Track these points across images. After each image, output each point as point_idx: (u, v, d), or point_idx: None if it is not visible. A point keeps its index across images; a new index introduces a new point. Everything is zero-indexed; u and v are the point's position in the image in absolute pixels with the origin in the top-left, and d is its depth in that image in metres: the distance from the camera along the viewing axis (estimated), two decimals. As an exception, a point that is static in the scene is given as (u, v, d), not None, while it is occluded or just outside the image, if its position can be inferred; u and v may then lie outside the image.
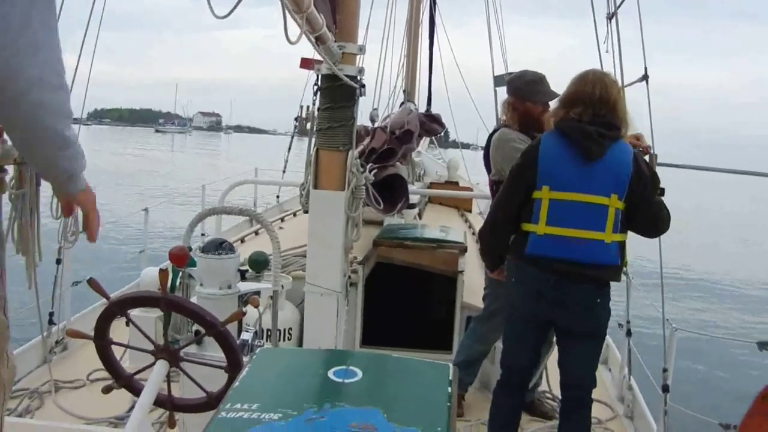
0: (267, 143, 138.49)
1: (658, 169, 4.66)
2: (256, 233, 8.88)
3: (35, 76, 2.13)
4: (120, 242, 16.95)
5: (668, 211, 4.36)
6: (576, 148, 4.12)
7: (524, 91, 5.13)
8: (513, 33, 11.01)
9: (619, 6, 5.94)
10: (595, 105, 4.19)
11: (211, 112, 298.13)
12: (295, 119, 11.20)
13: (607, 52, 5.98)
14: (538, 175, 4.16)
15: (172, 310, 3.61)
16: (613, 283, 4.26)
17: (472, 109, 13.61)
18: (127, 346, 3.94)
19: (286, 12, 2.75)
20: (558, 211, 4.12)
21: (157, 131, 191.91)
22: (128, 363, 4.09)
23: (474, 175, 13.61)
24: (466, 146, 16.03)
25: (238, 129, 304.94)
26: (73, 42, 5.45)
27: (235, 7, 2.31)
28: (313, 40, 3.79)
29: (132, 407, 4.62)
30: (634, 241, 4.34)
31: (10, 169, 4.60)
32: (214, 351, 3.62)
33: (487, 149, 5.31)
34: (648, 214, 4.26)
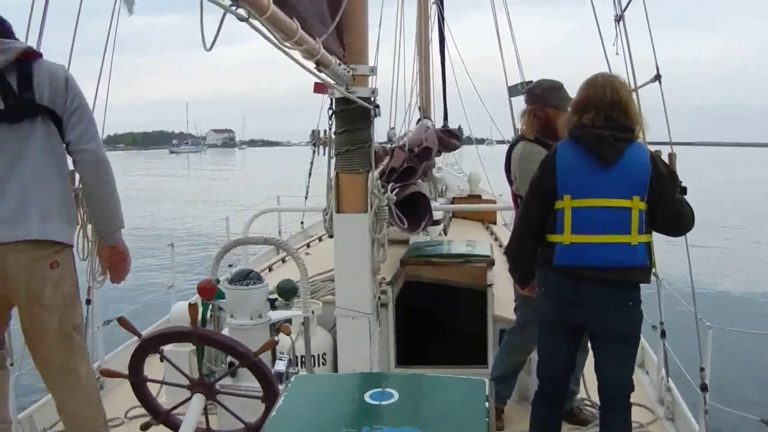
0: (282, 155, 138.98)
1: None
2: (283, 261, 8.89)
3: (107, 160, 3.83)
4: (147, 278, 17.01)
5: (691, 208, 4.34)
6: (592, 154, 4.12)
7: (545, 97, 5.12)
8: (515, 24, 10.96)
9: (626, 8, 5.92)
10: (607, 108, 4.18)
11: (223, 129, 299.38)
12: (315, 134, 11.27)
13: (617, 54, 5.96)
14: (557, 185, 4.15)
15: (204, 343, 3.63)
16: (643, 285, 4.23)
17: (480, 104, 13.67)
18: (162, 383, 3.96)
19: (269, 41, 2.76)
20: (582, 218, 4.11)
21: (171, 152, 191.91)
22: (164, 398, 4.10)
23: (495, 184, 13.57)
24: (480, 141, 15.97)
25: (252, 143, 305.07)
26: (78, 67, 5.52)
27: (215, 38, 2.33)
28: (311, 65, 3.78)
29: (171, 443, 4.64)
30: (659, 239, 4.32)
31: None
32: (249, 381, 3.63)
33: (508, 161, 5.30)
34: (670, 213, 4.24)
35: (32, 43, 4.67)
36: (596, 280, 4.09)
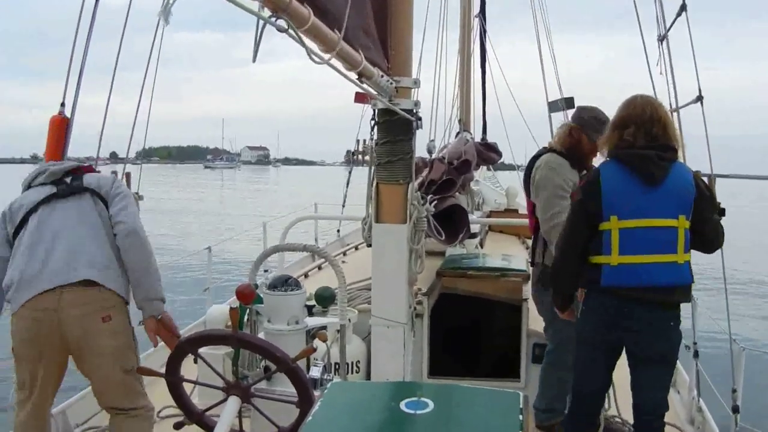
0: (316, 174, 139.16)
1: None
2: (320, 268, 8.93)
3: (143, 233, 4.19)
4: (184, 281, 17.12)
5: (723, 228, 4.36)
6: (638, 175, 4.11)
7: (588, 125, 5.13)
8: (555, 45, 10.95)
9: (670, 28, 5.90)
10: (647, 125, 4.18)
11: (258, 146, 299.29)
12: (350, 153, 11.27)
13: (660, 74, 5.94)
14: (603, 207, 4.13)
15: (243, 347, 3.68)
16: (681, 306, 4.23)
17: (520, 128, 13.62)
18: (198, 383, 4.01)
19: (310, 51, 2.75)
20: (630, 239, 4.09)
21: (206, 167, 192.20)
22: (197, 399, 4.14)
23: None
24: (513, 168, 15.93)
25: (286, 161, 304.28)
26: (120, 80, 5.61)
27: (257, 48, 2.36)
28: (354, 76, 3.80)
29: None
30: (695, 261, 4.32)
31: None
32: (282, 386, 3.67)
33: (528, 172, 5.31)
34: (709, 232, 4.26)
35: (78, 55, 4.83)
36: (643, 300, 4.08)
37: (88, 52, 4.96)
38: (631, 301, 4.09)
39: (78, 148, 5.09)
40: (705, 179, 4.52)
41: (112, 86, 5.55)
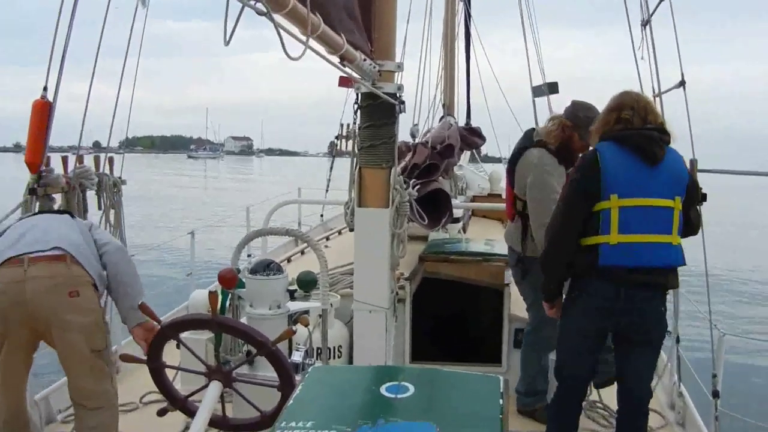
0: (300, 165, 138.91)
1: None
2: (302, 252, 8.93)
3: (125, 248, 4.51)
4: (167, 266, 17.11)
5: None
6: (638, 153, 4.13)
7: (582, 124, 5.09)
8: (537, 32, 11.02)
9: (653, 13, 5.90)
10: (642, 112, 4.22)
11: (242, 137, 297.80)
12: (335, 138, 11.22)
13: (642, 59, 5.95)
14: (603, 185, 4.12)
15: (223, 331, 3.66)
16: None
17: (505, 121, 13.64)
18: (180, 369, 4.00)
19: (286, 33, 2.68)
20: (629, 218, 4.10)
21: (189, 157, 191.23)
22: (179, 385, 4.13)
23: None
24: (498, 160, 15.99)
25: (270, 152, 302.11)
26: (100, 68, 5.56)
27: (233, 32, 2.31)
28: (336, 60, 3.76)
29: (186, 428, 4.67)
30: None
31: (58, 197, 4.90)
32: (265, 371, 3.66)
33: (514, 162, 5.31)
34: (695, 217, 4.36)
35: (59, 43, 4.80)
36: (642, 284, 4.10)
37: (70, 37, 4.93)
38: (631, 286, 4.10)
39: (60, 137, 5.10)
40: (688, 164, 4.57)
41: (93, 73, 5.54)
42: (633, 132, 4.17)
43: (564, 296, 4.47)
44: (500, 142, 14.37)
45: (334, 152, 12.32)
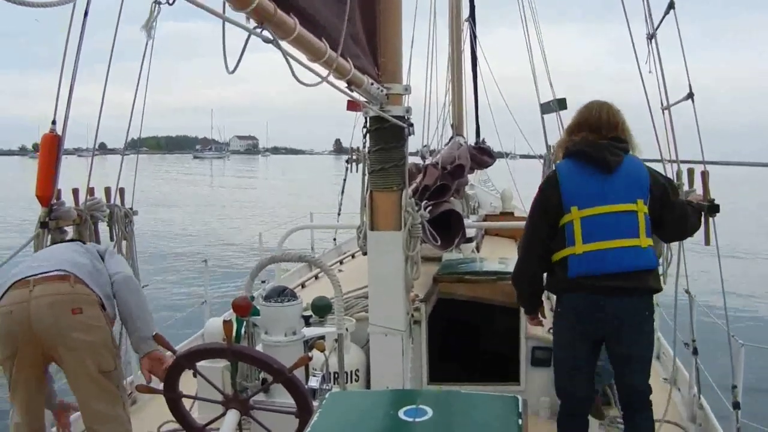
0: (305, 163, 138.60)
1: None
2: (316, 277, 8.93)
3: (135, 279, 4.44)
4: (180, 291, 17.12)
5: (692, 213, 4.55)
6: (593, 164, 4.26)
7: None
8: (546, 40, 11.03)
9: (658, 27, 5.89)
10: (603, 129, 4.35)
11: (247, 136, 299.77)
12: (346, 161, 11.26)
13: (650, 72, 5.93)
14: (563, 199, 4.27)
15: (239, 360, 3.67)
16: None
17: (505, 116, 13.71)
18: (197, 398, 4.00)
19: (297, 61, 2.69)
20: (591, 226, 4.22)
21: (195, 157, 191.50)
22: (196, 413, 4.13)
23: (527, 201, 13.57)
24: (504, 155, 15.95)
25: (275, 150, 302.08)
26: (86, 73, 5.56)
27: (239, 61, 2.33)
28: (343, 84, 3.78)
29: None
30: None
31: (70, 230, 4.92)
32: (282, 397, 3.66)
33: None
34: (675, 216, 4.40)
35: (73, 45, 4.81)
36: (614, 289, 4.16)
37: (79, 58, 4.94)
38: (603, 293, 4.18)
39: (66, 138, 5.06)
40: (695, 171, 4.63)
41: (107, 79, 5.54)
42: (585, 145, 4.31)
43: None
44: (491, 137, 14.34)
45: (344, 178, 12.35)
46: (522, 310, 6.03)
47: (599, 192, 4.23)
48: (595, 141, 4.31)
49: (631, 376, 4.37)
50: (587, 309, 4.23)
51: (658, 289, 4.43)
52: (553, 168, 4.47)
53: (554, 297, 4.77)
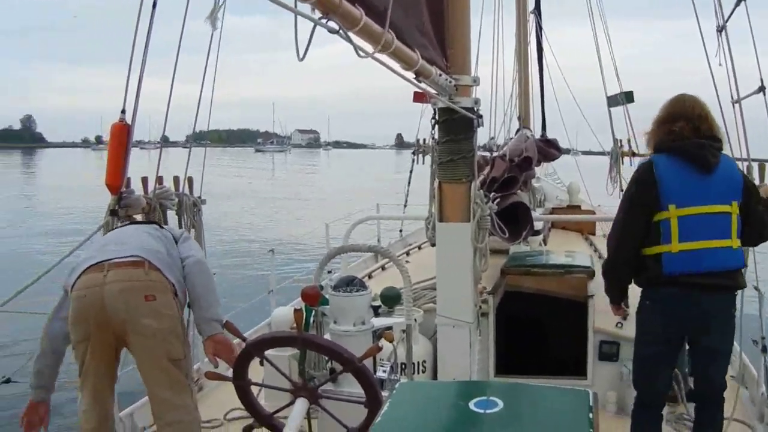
0: (367, 157, 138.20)
1: None
2: (383, 268, 8.95)
3: (206, 262, 4.38)
4: (246, 281, 17.28)
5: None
6: (692, 162, 4.22)
7: None
8: (613, 33, 10.90)
9: (728, 18, 5.78)
10: (695, 121, 4.30)
11: (308, 129, 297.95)
12: (412, 152, 11.25)
13: (720, 65, 5.83)
14: (660, 196, 4.22)
15: (309, 348, 3.69)
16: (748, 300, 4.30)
17: (575, 114, 13.57)
18: (267, 386, 4.04)
19: (364, 52, 2.69)
20: (688, 226, 4.19)
21: (257, 151, 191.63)
22: (263, 401, 4.17)
23: (593, 194, 13.50)
24: (566, 152, 15.81)
25: (337, 145, 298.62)
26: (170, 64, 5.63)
27: (306, 50, 2.33)
28: (411, 75, 3.77)
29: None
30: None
31: (138, 218, 5.01)
32: (349, 386, 3.68)
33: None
34: (756, 220, 4.38)
35: (140, 39, 4.88)
36: (708, 287, 4.18)
37: (147, 51, 5.00)
38: (696, 289, 4.18)
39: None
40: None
41: (174, 74, 5.59)
42: (685, 142, 4.26)
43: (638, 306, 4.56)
44: (570, 136, 14.22)
45: (411, 169, 12.35)
46: (589, 302, 6.01)
47: (698, 192, 4.21)
48: (692, 137, 4.26)
49: (716, 370, 4.38)
50: (682, 303, 4.23)
51: (744, 287, 4.45)
52: (649, 160, 4.40)
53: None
